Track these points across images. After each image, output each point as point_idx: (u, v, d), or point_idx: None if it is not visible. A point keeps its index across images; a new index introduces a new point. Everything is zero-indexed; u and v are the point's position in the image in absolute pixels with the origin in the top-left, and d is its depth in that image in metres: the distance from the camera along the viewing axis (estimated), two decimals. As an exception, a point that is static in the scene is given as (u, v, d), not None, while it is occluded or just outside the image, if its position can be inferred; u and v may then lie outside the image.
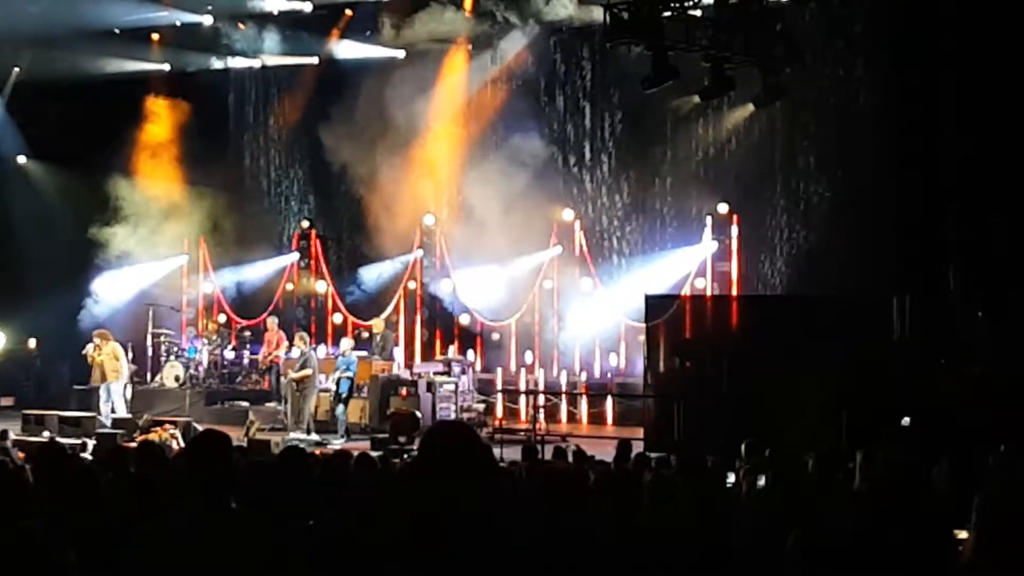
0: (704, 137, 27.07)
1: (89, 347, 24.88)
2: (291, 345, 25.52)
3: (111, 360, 24.55)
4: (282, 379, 24.76)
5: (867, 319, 19.74)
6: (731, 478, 11.91)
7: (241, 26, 29.47)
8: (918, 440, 16.68)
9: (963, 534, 6.58)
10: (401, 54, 29.06)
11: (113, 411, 24.06)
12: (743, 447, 13.32)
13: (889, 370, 18.72)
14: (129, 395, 25.98)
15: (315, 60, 30.05)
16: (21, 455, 14.90)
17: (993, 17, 20.27)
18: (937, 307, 19.82)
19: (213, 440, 5.99)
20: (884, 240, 22.29)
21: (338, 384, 24.14)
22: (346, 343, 25.48)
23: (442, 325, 29.34)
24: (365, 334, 27.92)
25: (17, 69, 30.39)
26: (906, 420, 17.73)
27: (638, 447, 17.96)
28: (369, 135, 30.15)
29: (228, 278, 30.83)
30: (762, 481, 10.87)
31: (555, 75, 28.48)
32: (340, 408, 24.08)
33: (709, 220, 26.39)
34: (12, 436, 19.20)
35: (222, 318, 30.44)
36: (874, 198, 23.09)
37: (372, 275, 30.14)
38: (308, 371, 23.84)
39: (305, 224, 30.56)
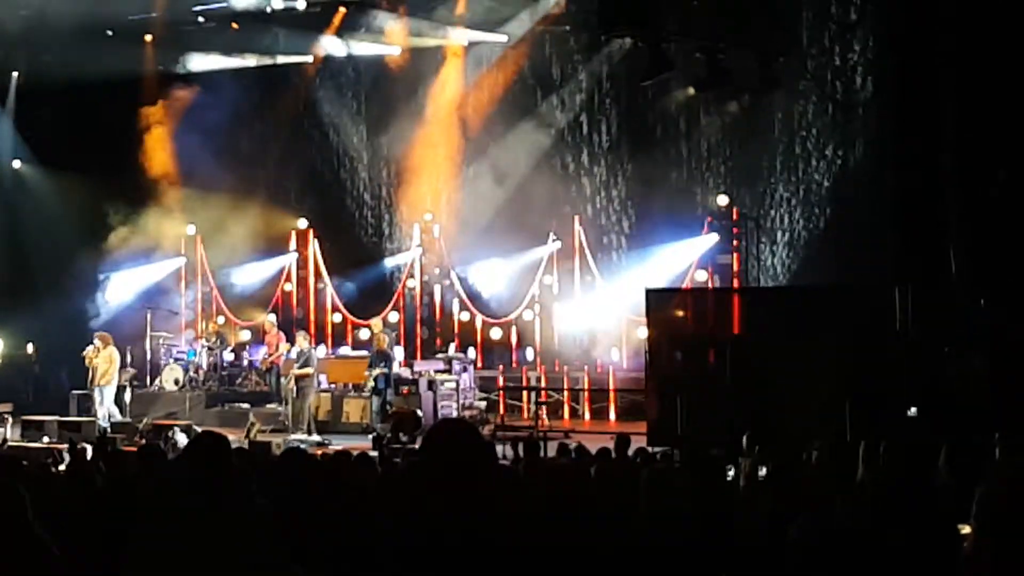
0: (702, 128, 27.02)
1: (89, 348, 24.83)
2: (291, 345, 25.44)
3: (104, 363, 24.50)
4: (282, 380, 24.70)
5: (869, 308, 19.64)
6: (733, 471, 11.86)
7: (234, 25, 29.36)
8: (923, 430, 16.61)
9: (966, 529, 6.50)
10: (397, 51, 28.99)
11: (109, 416, 24.03)
12: (744, 439, 13.29)
13: (892, 359, 18.64)
14: (128, 399, 25.97)
15: (310, 58, 29.94)
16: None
17: None
18: (939, 295, 19.74)
19: (211, 441, 5.95)
20: (885, 228, 22.20)
21: (376, 380, 24.15)
22: (385, 339, 25.39)
23: (442, 323, 29.23)
24: (364, 334, 27.86)
25: (16, 74, 30.39)
26: (913, 410, 17.66)
27: (641, 442, 17.90)
28: (367, 133, 30.23)
29: (226, 279, 30.73)
30: (763, 472, 10.83)
31: (552, 69, 28.37)
32: (374, 402, 24.08)
33: (709, 212, 26.37)
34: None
35: (220, 320, 30.34)
36: (874, 186, 23.01)
37: (371, 274, 30.17)
38: (309, 369, 23.83)
39: (303, 223, 30.45)
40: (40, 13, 27.07)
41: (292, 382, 23.77)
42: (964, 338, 19.15)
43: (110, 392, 24.52)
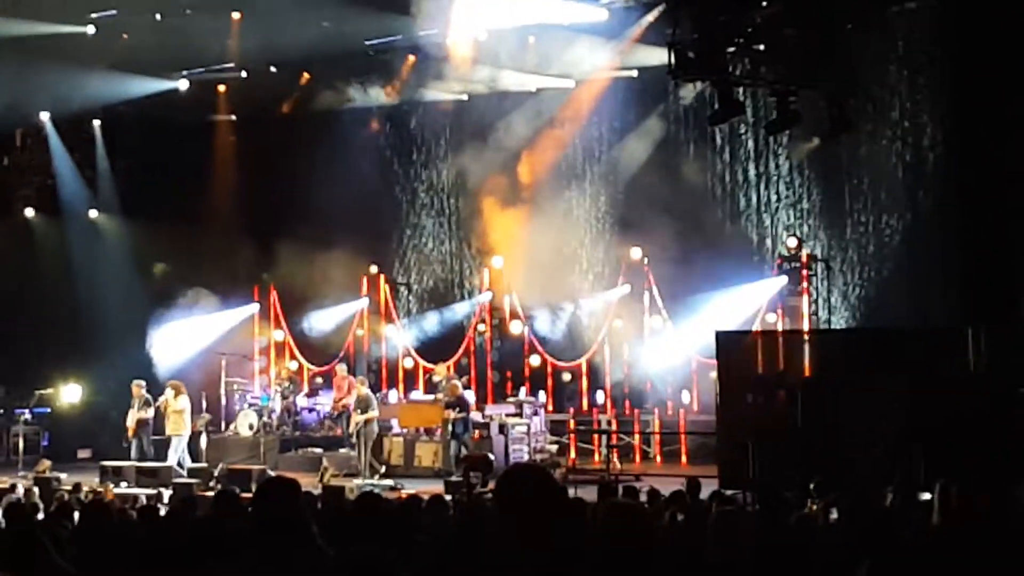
0: (771, 171, 27.01)
1: (162, 397, 25.09)
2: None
3: (174, 413, 24.76)
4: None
5: (941, 350, 19.51)
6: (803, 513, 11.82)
7: (306, 76, 29.67)
8: (997, 473, 16.44)
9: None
10: (465, 97, 29.21)
11: (179, 464, 24.23)
12: (812, 485, 13.25)
13: (965, 401, 18.47)
14: (204, 444, 26.15)
15: (381, 104, 30.14)
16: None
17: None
18: (1012, 336, 19.57)
19: (279, 486, 6.02)
20: (955, 269, 22.07)
21: (453, 425, 24.28)
22: (458, 383, 25.53)
23: (512, 367, 29.23)
24: (436, 378, 27.95)
25: (98, 122, 30.91)
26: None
27: (713, 484, 17.86)
28: (436, 178, 30.44)
29: (299, 324, 30.96)
30: (834, 515, 10.80)
31: (621, 112, 28.46)
32: (453, 445, 24.20)
33: (778, 254, 26.31)
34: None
35: (293, 365, 30.52)
36: (945, 227, 22.88)
37: (442, 318, 30.38)
38: (372, 414, 24.08)
39: (374, 269, 30.61)
40: (117, 64, 27.51)
41: (353, 427, 24.11)
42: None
43: (176, 441, 24.71)
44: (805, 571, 8.30)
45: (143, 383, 25.62)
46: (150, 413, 25.28)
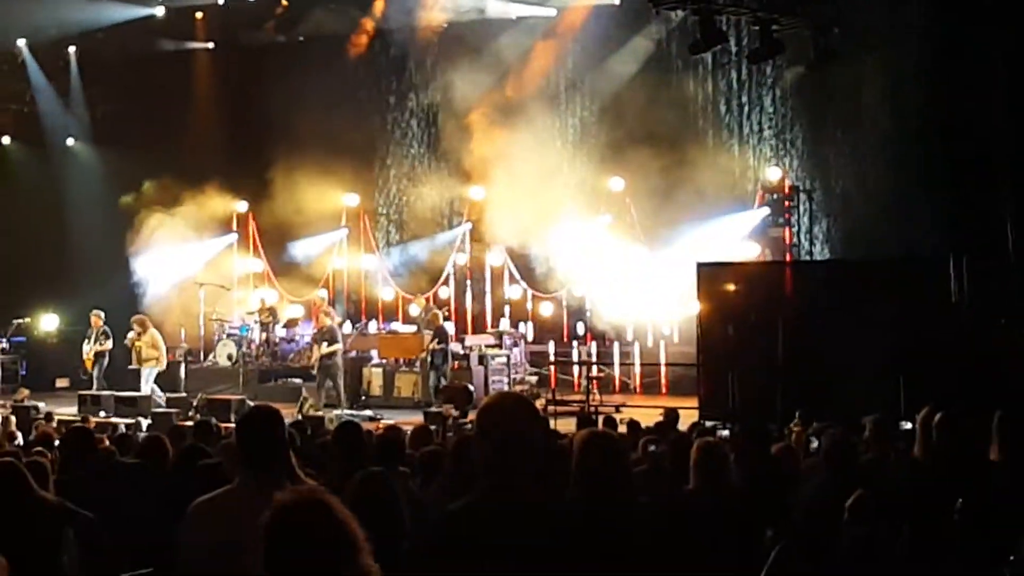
0: (755, 100, 26.83)
1: (131, 334, 24.96)
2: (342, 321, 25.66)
3: (147, 348, 24.64)
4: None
5: (924, 281, 19.52)
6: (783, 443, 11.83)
7: (283, 3, 29.40)
8: (978, 402, 16.44)
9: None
10: (445, 24, 28.91)
11: (152, 395, 24.19)
12: (797, 415, 13.23)
13: (947, 332, 18.49)
14: (183, 375, 26.11)
15: (358, 32, 29.85)
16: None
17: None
18: (995, 267, 19.56)
19: (262, 415, 5.98)
20: (939, 199, 21.97)
21: (433, 355, 24.18)
22: (439, 312, 25.44)
23: (492, 298, 29.14)
24: (416, 310, 27.89)
25: (73, 49, 30.60)
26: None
27: (693, 416, 17.88)
28: (415, 107, 30.19)
29: (278, 255, 30.81)
30: (815, 444, 10.79)
31: (602, 41, 28.18)
32: (432, 377, 24.13)
33: (760, 185, 26.19)
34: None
35: (273, 295, 30.37)
36: (929, 159, 22.74)
37: (422, 248, 30.25)
38: (337, 347, 23.97)
39: (355, 198, 30.40)
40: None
41: (314, 358, 24.04)
42: (1020, 309, 18.97)
43: (147, 373, 24.60)
44: (785, 501, 8.29)
45: (102, 314, 25.56)
46: (108, 344, 25.26)
